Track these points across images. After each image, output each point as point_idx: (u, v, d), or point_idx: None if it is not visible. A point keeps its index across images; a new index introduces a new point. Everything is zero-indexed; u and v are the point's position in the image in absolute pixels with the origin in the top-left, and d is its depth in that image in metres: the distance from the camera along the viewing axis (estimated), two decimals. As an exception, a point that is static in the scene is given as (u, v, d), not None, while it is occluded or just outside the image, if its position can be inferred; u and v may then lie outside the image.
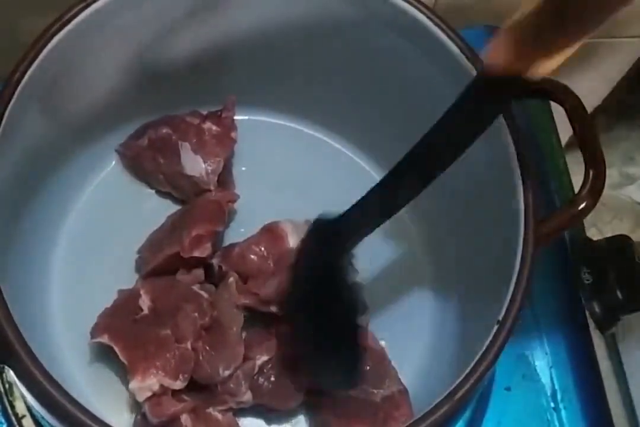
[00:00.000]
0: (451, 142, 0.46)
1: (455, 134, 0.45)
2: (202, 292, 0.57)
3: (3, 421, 0.57)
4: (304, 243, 0.54)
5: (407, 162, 0.47)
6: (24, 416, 0.57)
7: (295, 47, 0.60)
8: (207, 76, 0.62)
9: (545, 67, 0.40)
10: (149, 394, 0.53)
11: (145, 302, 0.56)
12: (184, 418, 0.53)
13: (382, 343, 0.58)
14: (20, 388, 0.51)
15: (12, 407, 0.57)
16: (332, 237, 0.51)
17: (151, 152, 0.62)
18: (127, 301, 0.57)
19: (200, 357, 0.54)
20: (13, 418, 0.57)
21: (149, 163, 0.62)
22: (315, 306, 0.52)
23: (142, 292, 0.57)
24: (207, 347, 0.55)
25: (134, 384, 0.53)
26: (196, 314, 0.55)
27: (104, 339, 0.54)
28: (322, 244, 0.52)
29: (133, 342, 0.54)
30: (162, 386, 0.53)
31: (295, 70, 0.62)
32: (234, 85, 0.63)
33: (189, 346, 0.54)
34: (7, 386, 0.57)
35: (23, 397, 0.56)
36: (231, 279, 0.57)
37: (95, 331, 0.55)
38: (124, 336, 0.55)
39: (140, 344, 0.54)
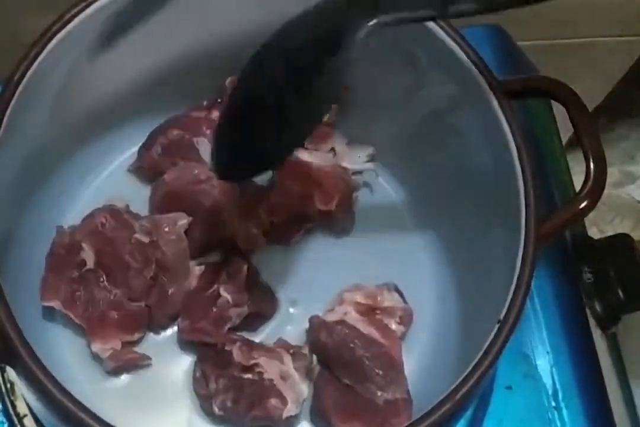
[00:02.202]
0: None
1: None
2: (144, 238, 0.57)
3: (4, 420, 0.57)
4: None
5: None
6: (25, 416, 0.57)
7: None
8: (208, 76, 0.62)
9: None
10: (112, 351, 0.56)
11: (89, 256, 0.56)
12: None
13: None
14: (22, 387, 0.51)
15: (14, 406, 0.57)
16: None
17: (168, 158, 0.61)
18: (68, 252, 0.57)
19: (153, 311, 0.57)
20: (14, 418, 0.57)
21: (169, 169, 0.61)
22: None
23: (83, 245, 0.57)
24: (159, 299, 0.57)
25: (96, 347, 0.56)
26: (144, 270, 0.56)
27: (57, 305, 0.56)
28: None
29: (86, 304, 0.56)
30: (122, 342, 0.56)
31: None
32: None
33: (142, 304, 0.57)
34: (8, 385, 0.57)
35: (24, 397, 0.56)
36: (184, 221, 0.58)
37: (45, 293, 0.56)
38: (75, 299, 0.56)
39: (94, 306, 0.56)
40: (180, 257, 0.58)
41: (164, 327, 0.59)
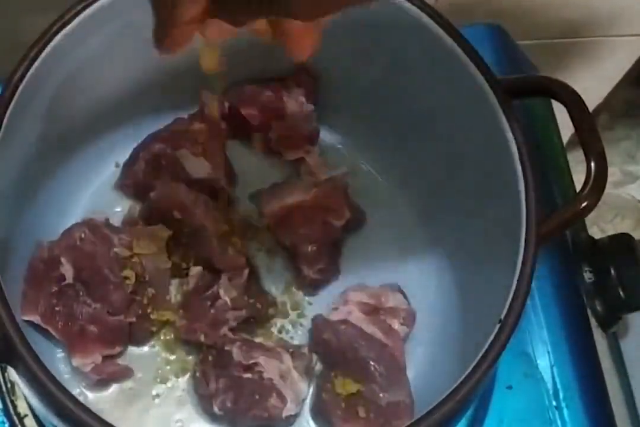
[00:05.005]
0: None
1: None
2: (123, 252, 0.57)
3: (5, 420, 0.57)
4: None
5: None
6: (25, 416, 0.57)
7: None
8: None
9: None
10: (93, 365, 0.55)
11: (68, 270, 0.56)
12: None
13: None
14: (23, 387, 0.51)
15: (14, 406, 0.57)
16: None
17: (151, 173, 0.61)
18: (47, 266, 0.56)
19: (133, 324, 0.57)
20: (15, 417, 0.57)
21: (153, 183, 0.61)
22: None
23: (62, 259, 0.56)
24: (140, 312, 0.57)
25: (77, 362, 0.55)
26: (123, 284, 0.56)
27: (36, 320, 0.55)
28: None
29: (65, 319, 0.55)
30: (103, 356, 0.56)
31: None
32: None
33: (122, 317, 0.56)
34: (9, 385, 0.57)
35: (25, 397, 0.56)
36: (165, 233, 0.58)
37: (25, 308, 0.55)
38: (54, 313, 0.55)
39: (73, 321, 0.55)
40: (160, 271, 0.57)
41: (145, 341, 0.58)
